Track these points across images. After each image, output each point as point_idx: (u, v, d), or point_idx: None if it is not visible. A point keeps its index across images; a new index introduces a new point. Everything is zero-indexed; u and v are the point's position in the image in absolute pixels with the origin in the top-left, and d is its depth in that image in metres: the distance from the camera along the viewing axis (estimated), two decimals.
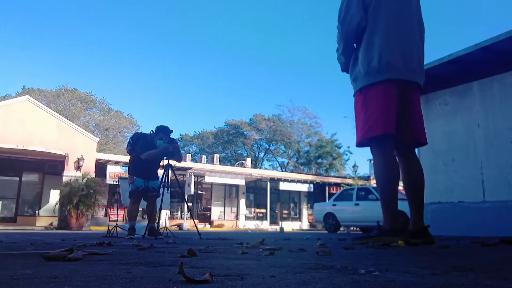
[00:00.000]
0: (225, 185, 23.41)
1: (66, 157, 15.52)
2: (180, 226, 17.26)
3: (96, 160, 16.66)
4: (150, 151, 5.38)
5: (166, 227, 5.99)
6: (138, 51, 61.83)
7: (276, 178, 23.63)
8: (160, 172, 5.63)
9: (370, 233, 2.96)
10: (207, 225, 21.47)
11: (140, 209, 6.20)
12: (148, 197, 5.48)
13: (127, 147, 5.84)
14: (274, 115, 39.33)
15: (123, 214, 17.74)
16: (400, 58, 2.70)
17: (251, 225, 23.01)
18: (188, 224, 17.66)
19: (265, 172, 25.38)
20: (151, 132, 5.59)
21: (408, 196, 2.91)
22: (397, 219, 2.79)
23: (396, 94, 2.71)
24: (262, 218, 24.53)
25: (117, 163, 18.41)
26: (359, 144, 2.90)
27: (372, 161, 2.95)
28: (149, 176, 5.49)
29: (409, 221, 2.82)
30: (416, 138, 2.89)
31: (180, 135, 43.70)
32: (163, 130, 5.53)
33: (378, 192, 2.89)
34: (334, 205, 13.07)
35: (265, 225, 23.55)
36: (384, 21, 2.74)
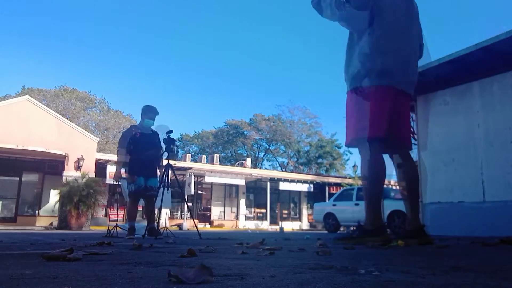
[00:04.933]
0: (225, 185, 23.39)
1: (66, 157, 15.51)
2: (180, 226, 17.26)
3: (96, 160, 16.64)
4: (122, 153, 5.47)
5: (166, 227, 5.99)
6: (137, 51, 61.82)
7: (276, 178, 23.61)
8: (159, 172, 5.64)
9: (353, 232, 2.97)
10: (207, 225, 21.46)
11: (139, 208, 6.19)
12: (146, 196, 5.46)
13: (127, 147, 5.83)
14: (274, 115, 39.35)
15: (123, 214, 17.70)
16: (400, 69, 2.81)
17: (251, 225, 23.00)
18: (188, 224, 17.65)
19: (265, 172, 25.36)
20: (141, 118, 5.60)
21: (403, 196, 2.98)
22: (380, 218, 2.84)
23: (392, 100, 2.81)
24: (262, 218, 24.52)
25: None
26: (349, 144, 2.94)
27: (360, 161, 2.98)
28: (148, 174, 5.47)
29: (406, 222, 2.87)
30: (403, 142, 3.01)
31: (180, 135, 43.71)
32: (151, 110, 5.53)
33: (363, 191, 2.92)
34: (334, 205, 13.06)
35: (265, 225, 23.54)
36: (393, 30, 2.83)
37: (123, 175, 5.91)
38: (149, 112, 5.51)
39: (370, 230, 2.75)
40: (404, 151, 3.03)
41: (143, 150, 5.40)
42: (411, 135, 3.09)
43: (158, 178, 5.57)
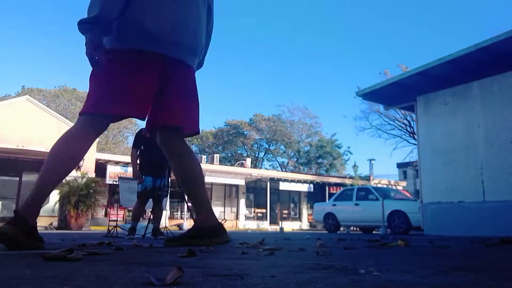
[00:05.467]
0: (225, 185, 23.40)
1: None
2: (180, 226, 17.26)
3: (96, 160, 16.64)
4: (133, 153, 5.47)
5: (166, 227, 6.00)
6: None
7: (276, 178, 23.61)
8: None
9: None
10: None
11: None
12: (154, 197, 5.46)
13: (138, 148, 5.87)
14: (274, 115, 39.37)
15: (123, 214, 17.71)
16: (164, 30, 2.17)
17: (251, 225, 23.00)
18: (188, 224, 17.65)
19: (265, 172, 25.36)
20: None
21: (186, 191, 2.57)
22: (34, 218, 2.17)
23: (155, 70, 2.21)
24: (262, 218, 24.52)
25: (117, 163, 18.39)
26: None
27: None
28: (157, 174, 5.45)
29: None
30: (176, 122, 2.33)
31: None
32: None
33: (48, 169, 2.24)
34: (334, 205, 13.07)
35: (265, 225, 23.54)
36: None
37: (122, 174, 5.92)
38: None
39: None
40: (177, 135, 2.41)
41: (151, 150, 5.40)
42: (196, 115, 2.43)
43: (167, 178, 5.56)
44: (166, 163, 5.56)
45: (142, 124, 37.38)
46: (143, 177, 5.35)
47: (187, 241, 2.34)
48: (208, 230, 2.34)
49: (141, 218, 6.44)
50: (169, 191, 5.51)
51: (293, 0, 61.83)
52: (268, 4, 62.57)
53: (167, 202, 6.81)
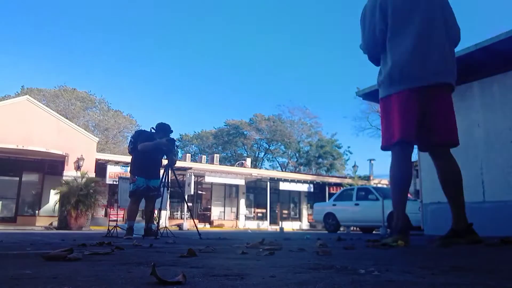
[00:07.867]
0: (225, 185, 23.40)
1: (66, 157, 15.51)
2: (180, 226, 17.26)
3: (96, 160, 16.64)
4: (146, 142, 5.33)
5: (166, 227, 6.00)
6: (137, 50, 61.82)
7: (276, 178, 23.61)
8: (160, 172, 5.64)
9: (387, 235, 2.97)
10: (207, 225, 21.46)
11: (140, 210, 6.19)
12: (148, 197, 5.46)
13: (128, 146, 5.81)
14: (274, 115, 39.38)
15: (123, 214, 17.71)
16: (418, 65, 2.70)
17: (251, 225, 23.01)
18: (188, 224, 17.65)
19: (265, 172, 25.36)
20: (151, 129, 5.57)
21: (446, 195, 2.97)
22: (401, 220, 2.80)
23: (416, 101, 2.73)
24: (262, 218, 24.53)
25: (117, 163, 18.39)
26: (383, 148, 2.99)
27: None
28: (151, 175, 5.46)
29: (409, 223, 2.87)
30: (445, 138, 2.88)
31: (180, 135, 43.71)
32: (163, 129, 5.46)
33: (391, 192, 2.96)
34: (334, 205, 13.06)
35: (265, 225, 23.55)
36: (403, 27, 2.75)
37: (123, 174, 5.93)
38: (161, 131, 5.44)
39: (393, 230, 2.81)
40: (441, 148, 2.91)
41: (149, 152, 5.41)
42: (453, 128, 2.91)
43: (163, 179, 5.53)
44: (160, 164, 5.57)
45: (142, 124, 37.02)
46: (136, 177, 5.35)
47: (450, 240, 2.71)
48: (464, 230, 2.80)
49: (138, 217, 6.44)
50: (164, 191, 5.49)
51: (293, 3, 61.84)
52: (269, 5, 62.59)
53: (167, 202, 6.80)
